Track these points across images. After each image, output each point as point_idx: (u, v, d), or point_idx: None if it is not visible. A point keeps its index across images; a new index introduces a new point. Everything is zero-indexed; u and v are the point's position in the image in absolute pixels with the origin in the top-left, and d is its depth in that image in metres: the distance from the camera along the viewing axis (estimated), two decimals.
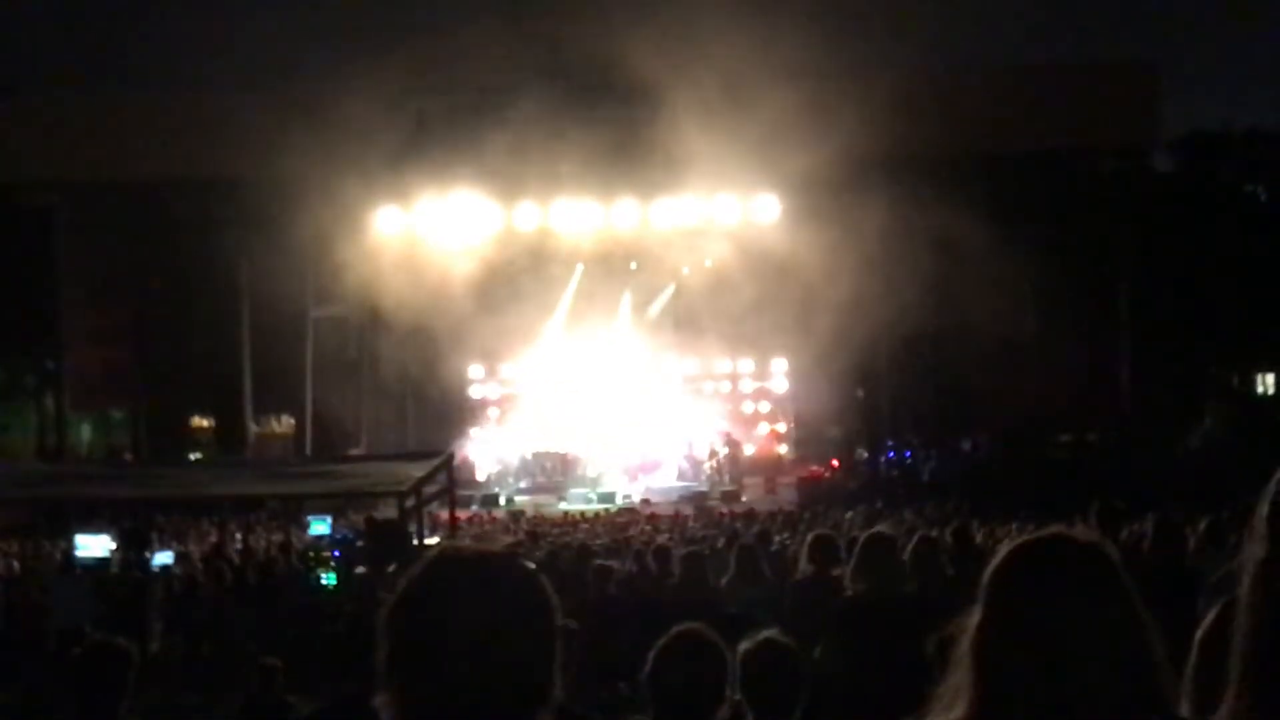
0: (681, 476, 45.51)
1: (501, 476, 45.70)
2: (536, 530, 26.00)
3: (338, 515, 28.74)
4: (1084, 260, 42.55)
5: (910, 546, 9.53)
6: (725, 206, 44.06)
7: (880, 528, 10.81)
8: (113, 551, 21.80)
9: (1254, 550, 2.55)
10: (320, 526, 26.22)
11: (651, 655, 5.04)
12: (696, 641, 5.08)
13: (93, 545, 22.02)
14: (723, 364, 50.10)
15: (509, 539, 24.06)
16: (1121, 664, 2.77)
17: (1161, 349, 43.31)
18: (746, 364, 50.07)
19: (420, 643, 2.65)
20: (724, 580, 12.09)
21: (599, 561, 14.43)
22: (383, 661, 2.68)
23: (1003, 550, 3.02)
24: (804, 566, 10.34)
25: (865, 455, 45.41)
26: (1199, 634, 3.62)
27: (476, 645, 2.62)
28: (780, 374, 49.76)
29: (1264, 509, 2.58)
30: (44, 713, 5.88)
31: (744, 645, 5.41)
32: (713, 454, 45.48)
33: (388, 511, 22.14)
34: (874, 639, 7.80)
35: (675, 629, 5.15)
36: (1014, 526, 16.19)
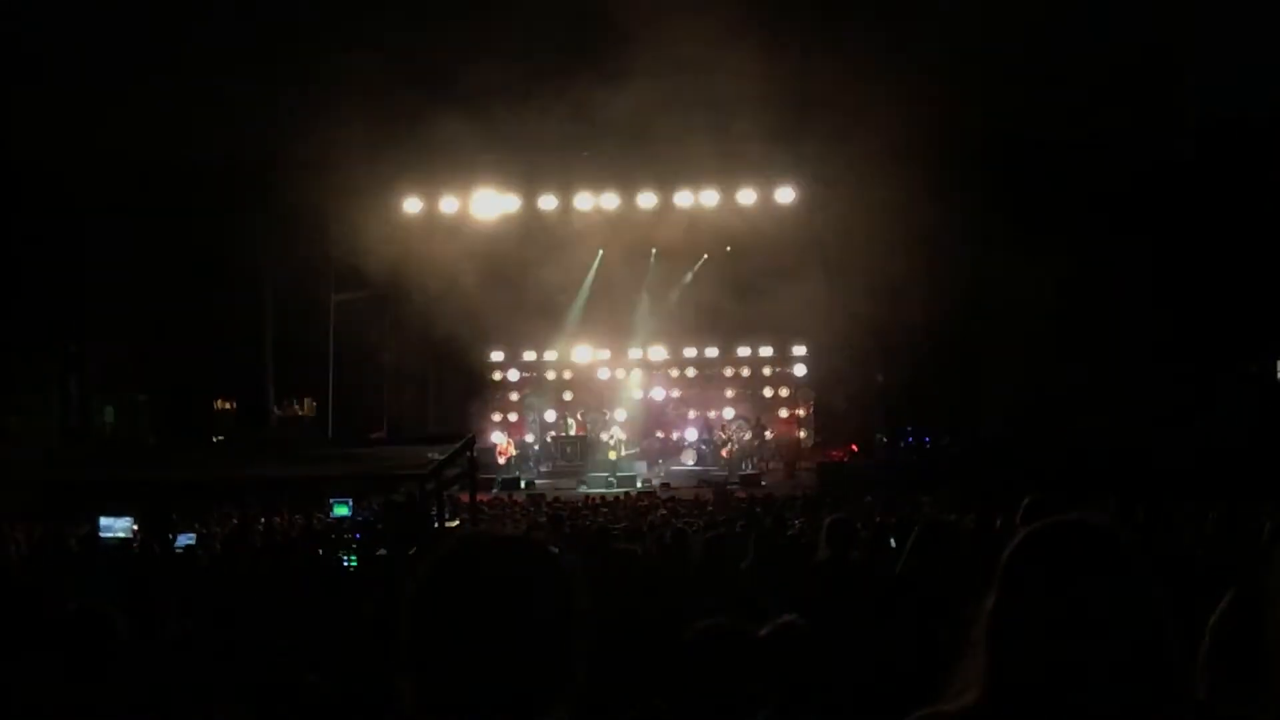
0: (701, 460, 45.62)
1: (521, 460, 45.84)
2: (557, 513, 26.01)
3: (359, 498, 28.79)
4: (1103, 247, 42.40)
5: (921, 530, 9.56)
6: (745, 193, 44.08)
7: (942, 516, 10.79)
8: (135, 533, 21.92)
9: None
10: (342, 509, 26.28)
11: (685, 647, 5.04)
12: (730, 636, 5.07)
13: (115, 527, 22.15)
14: (742, 349, 50.13)
15: (528, 522, 24.12)
16: (1135, 649, 2.80)
17: (1182, 336, 43.17)
18: (766, 349, 50.09)
19: (441, 629, 2.68)
20: (743, 564, 12.12)
21: (620, 545, 14.46)
22: (404, 647, 2.71)
23: (1018, 535, 3.06)
24: (822, 550, 10.38)
25: (884, 440, 45.35)
26: (1212, 620, 3.66)
27: (497, 631, 2.64)
28: (800, 359, 49.74)
29: None
30: (35, 681, 5.94)
31: (764, 630, 5.43)
32: (730, 438, 45.51)
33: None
34: (888, 619, 7.85)
35: (706, 623, 5.14)
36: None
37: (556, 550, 2.90)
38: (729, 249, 45.92)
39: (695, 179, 43.97)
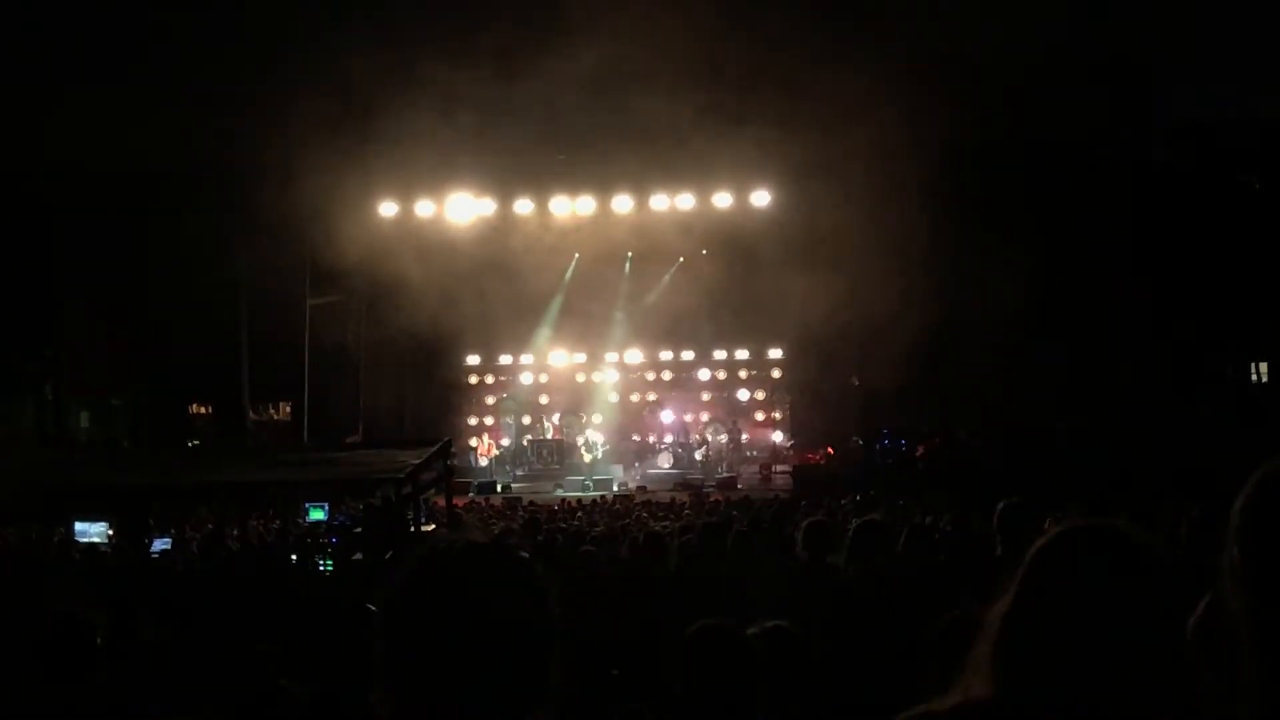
0: (677, 463, 45.63)
1: (498, 464, 45.81)
2: (534, 516, 26.05)
3: (335, 502, 28.75)
4: (1080, 250, 42.57)
5: (904, 533, 9.58)
6: (721, 196, 44.15)
7: (873, 515, 10.81)
8: (110, 538, 21.88)
9: (1229, 553, 2.59)
10: (318, 513, 26.26)
11: (680, 652, 5.02)
12: (725, 638, 5.06)
13: (90, 532, 22.11)
14: (718, 352, 50.21)
15: (503, 526, 24.09)
16: (1150, 661, 2.80)
17: (1157, 338, 43.35)
18: (742, 352, 50.17)
19: (413, 639, 2.65)
20: (721, 567, 12.10)
21: (587, 548, 14.46)
22: (378, 657, 2.68)
23: (1051, 532, 3.05)
24: (799, 553, 10.39)
25: (860, 443, 45.38)
26: (1190, 622, 3.65)
27: (469, 640, 2.61)
28: (776, 362, 49.85)
29: (1235, 515, 2.61)
30: (17, 681, 5.93)
31: (753, 631, 5.42)
32: (702, 441, 45.57)
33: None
34: (867, 622, 7.85)
35: (702, 623, 5.13)
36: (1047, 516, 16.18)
37: (528, 555, 2.87)
38: (705, 252, 45.91)
39: (671, 182, 44.00)
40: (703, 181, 43.79)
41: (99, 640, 6.03)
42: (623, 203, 44.54)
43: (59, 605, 6.27)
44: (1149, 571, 2.90)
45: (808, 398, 48.07)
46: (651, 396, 49.73)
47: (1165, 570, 2.92)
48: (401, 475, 19.33)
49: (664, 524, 21.98)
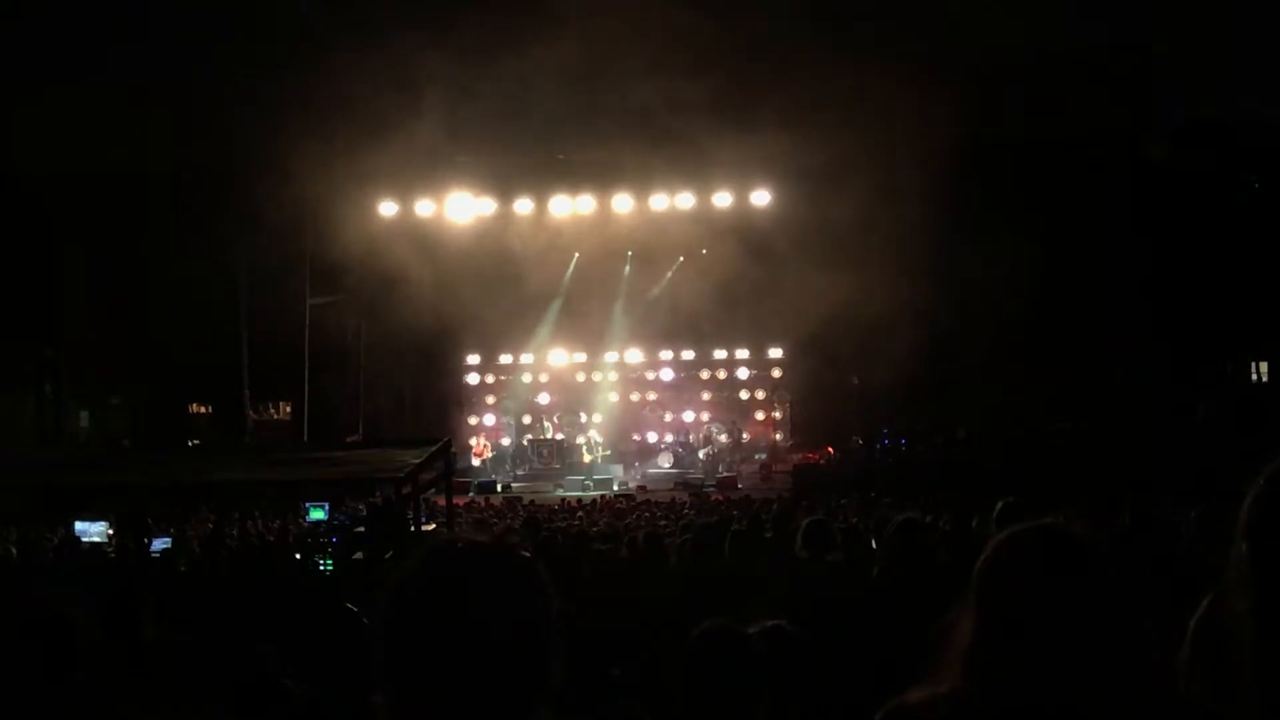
0: (677, 463, 45.62)
1: (498, 463, 45.78)
2: (534, 515, 26.02)
3: (335, 502, 28.71)
4: (1081, 249, 42.56)
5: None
6: (721, 196, 44.12)
7: (911, 514, 10.76)
8: (110, 537, 21.85)
9: (1237, 549, 2.59)
10: (318, 513, 26.24)
11: (684, 652, 5.00)
12: (731, 639, 5.04)
13: (91, 531, 22.09)
14: (719, 352, 50.17)
15: (504, 526, 24.06)
16: (1107, 650, 2.82)
17: (1157, 337, 43.32)
18: (742, 352, 50.13)
19: (415, 641, 2.63)
20: (721, 566, 12.09)
21: (596, 546, 14.45)
22: (377, 659, 2.67)
23: (993, 540, 3.09)
24: (799, 552, 10.39)
25: (860, 443, 45.36)
26: (1193, 622, 3.65)
27: (471, 640, 2.60)
28: (776, 361, 49.80)
29: (1245, 511, 2.61)
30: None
31: (754, 631, 5.40)
32: (707, 440, 45.54)
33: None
34: (866, 621, 7.85)
35: (707, 624, 5.10)
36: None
37: (529, 554, 2.85)
38: (705, 251, 45.84)
39: (671, 182, 43.96)
40: (703, 181, 43.78)
41: (78, 639, 6.00)
42: (623, 202, 44.51)
43: (41, 603, 6.26)
44: (1083, 565, 2.95)
45: (808, 397, 48.06)
46: (651, 396, 49.71)
47: (1102, 562, 2.95)
48: (401, 475, 19.25)
49: (663, 523, 21.99)
